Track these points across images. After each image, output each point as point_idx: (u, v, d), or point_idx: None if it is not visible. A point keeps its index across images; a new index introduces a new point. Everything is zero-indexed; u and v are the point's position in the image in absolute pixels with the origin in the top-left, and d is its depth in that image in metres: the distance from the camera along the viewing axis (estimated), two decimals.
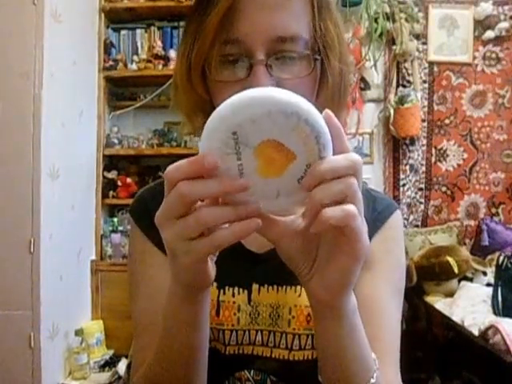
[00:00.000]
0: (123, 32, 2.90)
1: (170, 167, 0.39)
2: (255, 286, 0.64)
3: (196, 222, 0.38)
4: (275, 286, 0.64)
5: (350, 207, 0.37)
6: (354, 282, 0.42)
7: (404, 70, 2.86)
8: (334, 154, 0.38)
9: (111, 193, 2.81)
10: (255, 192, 0.39)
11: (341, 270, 0.41)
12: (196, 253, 0.40)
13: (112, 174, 2.84)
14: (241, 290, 0.64)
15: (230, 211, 0.38)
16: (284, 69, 0.54)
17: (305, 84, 0.56)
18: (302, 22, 0.54)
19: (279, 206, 0.40)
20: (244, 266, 0.65)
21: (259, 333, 0.64)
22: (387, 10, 2.71)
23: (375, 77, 2.85)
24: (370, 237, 0.67)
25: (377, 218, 0.68)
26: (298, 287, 0.63)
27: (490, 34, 2.82)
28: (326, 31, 0.56)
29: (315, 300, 0.45)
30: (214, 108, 0.60)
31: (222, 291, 0.64)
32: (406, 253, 2.61)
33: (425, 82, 2.89)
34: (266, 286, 0.64)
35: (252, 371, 0.63)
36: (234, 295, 0.64)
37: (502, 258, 2.05)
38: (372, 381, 0.48)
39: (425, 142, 2.91)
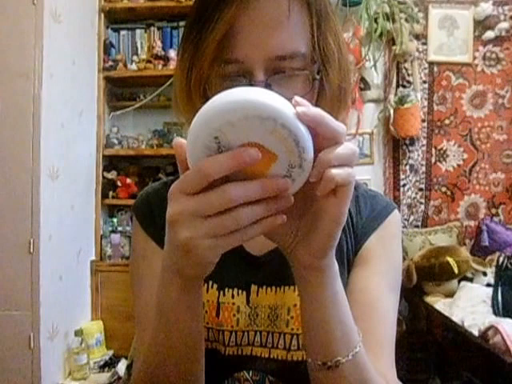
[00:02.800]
0: (123, 32, 2.90)
1: (207, 161, 0.38)
2: (254, 288, 0.65)
3: (222, 198, 0.37)
4: (273, 287, 0.64)
5: (351, 169, 0.40)
6: (336, 243, 0.44)
7: (404, 71, 2.86)
8: (323, 138, 0.39)
9: (111, 193, 2.81)
10: None
11: (326, 235, 0.43)
12: (223, 248, 0.40)
13: (112, 175, 2.84)
14: (240, 291, 0.64)
15: (258, 192, 0.38)
16: (284, 87, 0.54)
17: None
18: (300, 38, 0.54)
19: None
20: (243, 268, 0.65)
21: (258, 334, 0.64)
22: (387, 10, 2.71)
23: (375, 77, 2.85)
24: (368, 235, 0.68)
25: (375, 217, 0.69)
26: (297, 288, 0.64)
27: (489, 34, 2.82)
28: (325, 45, 0.56)
29: (301, 266, 0.47)
30: None
31: (221, 293, 0.65)
32: (406, 253, 2.61)
33: (425, 82, 2.89)
34: (264, 287, 0.64)
35: (251, 371, 0.64)
36: (233, 296, 0.64)
37: (502, 259, 2.05)
38: (356, 350, 0.49)
39: (425, 142, 2.90)
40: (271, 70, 0.53)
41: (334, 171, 0.39)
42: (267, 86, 0.53)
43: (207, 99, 0.58)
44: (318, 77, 0.56)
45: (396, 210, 0.71)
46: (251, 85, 0.53)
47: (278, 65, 0.53)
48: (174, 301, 0.47)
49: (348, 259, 0.67)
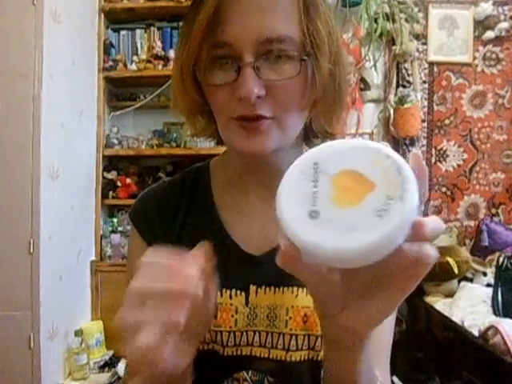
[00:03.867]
0: (123, 32, 2.90)
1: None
2: (253, 288, 0.64)
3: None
4: (272, 288, 0.64)
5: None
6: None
7: (404, 71, 2.86)
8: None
9: (111, 193, 2.81)
10: (328, 224, 0.34)
11: (387, 302, 0.36)
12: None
13: (112, 175, 2.84)
14: (238, 292, 0.64)
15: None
16: (272, 70, 0.54)
17: (294, 85, 0.56)
18: (289, 23, 0.54)
19: (354, 241, 0.32)
20: (241, 269, 0.64)
21: (257, 334, 0.64)
22: (387, 10, 2.71)
23: (375, 77, 2.85)
24: None
25: None
26: (295, 288, 0.63)
27: (489, 34, 2.82)
28: (315, 31, 0.55)
29: (346, 333, 0.40)
30: (211, 111, 0.61)
31: (219, 293, 0.64)
32: None
33: (425, 82, 2.89)
34: (263, 287, 0.64)
35: (250, 372, 0.64)
36: (231, 297, 0.64)
37: (502, 259, 2.05)
38: None
39: (425, 142, 2.90)
40: (260, 53, 0.53)
41: (430, 249, 0.33)
42: (255, 69, 0.53)
43: (198, 84, 0.58)
44: (305, 58, 0.55)
45: None
46: (239, 68, 0.53)
47: (266, 48, 0.53)
48: None
49: None
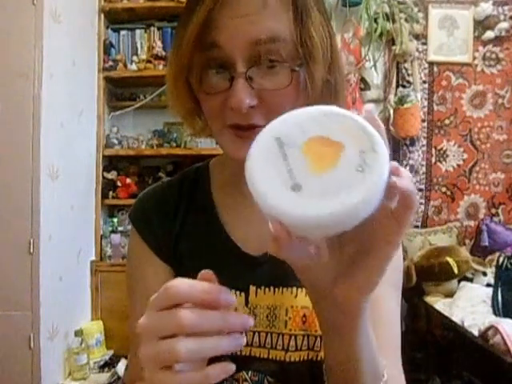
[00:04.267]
0: (123, 32, 2.90)
1: (181, 282, 0.38)
2: (252, 289, 0.64)
3: (173, 320, 0.37)
4: (272, 288, 0.64)
5: None
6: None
7: (404, 71, 2.86)
8: None
9: (111, 193, 2.81)
10: (313, 193, 0.34)
11: (379, 262, 0.37)
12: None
13: (112, 175, 2.84)
14: (238, 292, 0.64)
15: (217, 318, 0.37)
16: (265, 79, 0.54)
17: (287, 94, 0.55)
18: (281, 25, 0.54)
19: (345, 200, 0.33)
20: (241, 269, 0.64)
21: (256, 334, 0.64)
22: (387, 10, 2.71)
23: (375, 77, 2.85)
24: None
25: None
26: (294, 288, 0.64)
27: (489, 34, 2.82)
28: (307, 37, 0.55)
29: (341, 310, 0.41)
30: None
31: None
32: (406, 253, 2.61)
33: (425, 82, 2.89)
34: (262, 287, 0.64)
35: (250, 372, 0.64)
36: None
37: (501, 259, 2.05)
38: (383, 379, 0.48)
39: (425, 142, 2.90)
40: (252, 58, 0.53)
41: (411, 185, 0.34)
42: (248, 79, 0.53)
43: (191, 90, 0.58)
44: (297, 69, 0.55)
45: None
46: (232, 77, 0.53)
47: (258, 49, 0.53)
48: None
49: None
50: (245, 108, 0.53)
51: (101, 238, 2.78)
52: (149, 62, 2.79)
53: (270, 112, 0.55)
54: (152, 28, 2.87)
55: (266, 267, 0.63)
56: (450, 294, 2.26)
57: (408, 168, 2.90)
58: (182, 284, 0.38)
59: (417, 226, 2.87)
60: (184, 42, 0.54)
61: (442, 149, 2.91)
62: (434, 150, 2.91)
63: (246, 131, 0.56)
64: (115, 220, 2.84)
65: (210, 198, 0.69)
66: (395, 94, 2.81)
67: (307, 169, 0.35)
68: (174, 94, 0.61)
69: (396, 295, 0.66)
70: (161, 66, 2.78)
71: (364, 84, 2.85)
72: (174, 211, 0.69)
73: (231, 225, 0.67)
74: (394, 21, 2.73)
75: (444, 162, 2.91)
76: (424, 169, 2.91)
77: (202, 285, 0.38)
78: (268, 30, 0.53)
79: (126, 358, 2.43)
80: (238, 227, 0.67)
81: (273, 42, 0.53)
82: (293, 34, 0.54)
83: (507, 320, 1.79)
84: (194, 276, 0.42)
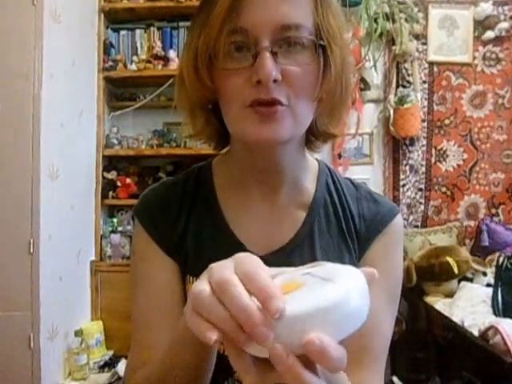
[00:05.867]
0: (123, 32, 2.90)
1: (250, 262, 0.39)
2: None
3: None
4: None
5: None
6: None
7: (404, 71, 2.86)
8: None
9: (111, 193, 2.81)
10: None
11: None
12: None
13: (111, 175, 2.84)
14: None
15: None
16: (289, 57, 0.55)
17: (308, 72, 0.57)
18: (305, 12, 0.56)
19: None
20: None
21: None
22: (387, 10, 2.71)
23: (375, 77, 2.85)
24: (372, 239, 0.67)
25: (379, 221, 0.68)
26: None
27: (489, 34, 2.82)
28: (328, 24, 0.57)
29: None
30: (217, 104, 0.61)
31: None
32: (406, 253, 2.61)
33: (425, 82, 2.89)
34: None
35: None
36: None
37: (501, 259, 2.05)
38: None
39: (425, 142, 2.90)
40: (277, 40, 0.55)
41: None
42: (273, 54, 0.54)
43: (212, 71, 0.58)
44: (323, 43, 0.57)
45: (399, 214, 0.70)
46: (256, 52, 0.54)
47: (283, 35, 0.55)
48: (186, 350, 0.50)
49: (352, 262, 0.67)
50: (271, 80, 0.54)
51: (101, 238, 2.78)
52: (149, 62, 2.79)
53: (291, 89, 0.56)
54: (152, 28, 2.87)
55: (270, 267, 0.63)
56: (450, 294, 2.26)
57: (408, 168, 2.91)
58: (251, 265, 0.38)
59: (417, 226, 2.88)
60: (211, 23, 0.55)
61: (441, 149, 2.91)
62: (433, 149, 2.91)
63: (268, 107, 0.56)
64: (115, 220, 2.84)
65: (215, 197, 0.69)
66: (395, 94, 2.81)
67: None
68: (191, 76, 0.60)
69: (392, 309, 0.67)
70: (160, 66, 2.78)
71: (364, 84, 2.85)
72: (178, 209, 0.69)
73: (236, 223, 0.67)
74: (394, 21, 2.73)
75: (444, 162, 2.91)
76: (424, 169, 2.91)
77: (264, 278, 0.36)
78: (293, 18, 0.55)
79: (126, 358, 2.43)
80: (242, 225, 0.67)
81: (297, 28, 0.55)
82: (314, 20, 0.57)
83: (507, 320, 1.79)
84: (198, 275, 0.42)
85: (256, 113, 0.56)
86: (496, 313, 1.92)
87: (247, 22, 0.54)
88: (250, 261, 0.39)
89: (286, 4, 0.54)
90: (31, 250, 2.11)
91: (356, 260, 0.67)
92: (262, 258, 0.64)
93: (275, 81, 0.54)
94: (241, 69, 0.55)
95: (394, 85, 2.84)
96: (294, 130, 0.59)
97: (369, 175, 2.86)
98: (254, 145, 0.60)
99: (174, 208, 0.69)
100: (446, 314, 2.06)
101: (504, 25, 2.82)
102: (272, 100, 0.55)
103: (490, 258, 2.47)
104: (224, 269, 0.38)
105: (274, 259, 0.64)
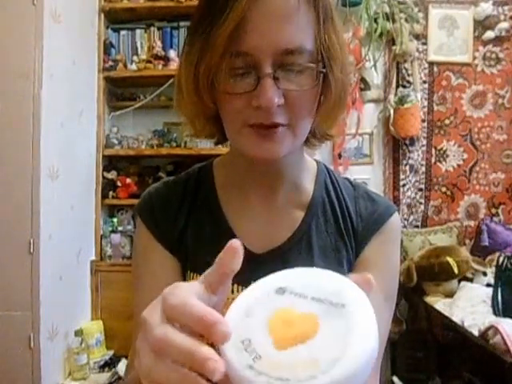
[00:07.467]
0: (123, 32, 2.90)
1: (178, 296, 0.34)
2: None
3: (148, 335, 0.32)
4: None
5: None
6: None
7: (404, 71, 2.86)
8: None
9: (111, 193, 2.81)
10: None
11: None
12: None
13: (112, 175, 2.84)
14: (240, 287, 0.64)
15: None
16: (290, 80, 0.56)
17: (309, 95, 0.57)
18: (307, 34, 0.56)
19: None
20: (244, 266, 0.65)
21: None
22: (387, 10, 2.71)
23: (375, 77, 2.85)
24: (369, 238, 0.68)
25: (376, 220, 0.69)
26: None
27: (489, 34, 2.82)
28: (329, 43, 0.58)
29: None
30: (218, 115, 0.61)
31: None
32: (406, 253, 2.61)
33: (425, 82, 2.89)
34: None
35: None
36: (232, 292, 0.64)
37: (502, 259, 2.05)
38: None
39: (425, 142, 2.90)
40: (278, 63, 0.55)
41: None
42: (275, 79, 0.54)
43: (213, 92, 0.58)
44: (324, 70, 0.57)
45: (396, 213, 0.71)
46: (258, 78, 0.54)
47: (285, 59, 0.55)
48: None
49: (349, 261, 0.67)
50: (274, 107, 0.54)
51: (101, 238, 2.78)
52: (149, 62, 2.79)
53: (293, 111, 0.57)
54: (152, 28, 2.87)
55: (268, 265, 0.63)
56: (450, 294, 2.26)
57: (408, 168, 2.91)
58: (178, 298, 0.34)
59: (417, 226, 2.88)
60: (215, 45, 0.55)
61: (441, 149, 2.91)
62: (433, 149, 2.91)
63: (269, 129, 0.57)
64: (115, 220, 2.84)
65: (215, 197, 0.70)
66: (395, 94, 2.81)
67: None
68: (192, 95, 0.60)
69: (389, 306, 0.67)
70: (160, 66, 2.78)
71: (364, 84, 2.85)
72: (179, 207, 0.70)
73: (236, 222, 0.68)
74: (394, 21, 2.73)
75: (444, 162, 2.91)
76: (424, 169, 2.91)
77: (197, 308, 0.33)
78: (296, 42, 0.54)
79: (126, 357, 2.43)
80: (241, 224, 0.68)
81: (300, 52, 0.55)
82: (316, 41, 0.56)
83: (507, 320, 1.79)
84: (199, 271, 0.41)
85: (256, 133, 0.57)
86: (496, 313, 1.92)
87: (249, 47, 0.54)
88: (179, 292, 0.35)
89: (288, 27, 0.54)
90: (31, 250, 2.11)
91: (353, 258, 0.68)
92: (260, 256, 0.66)
93: (278, 105, 0.55)
94: (242, 93, 0.55)
95: (394, 85, 2.84)
96: (293, 146, 0.61)
97: (369, 175, 2.86)
98: (254, 160, 0.61)
99: (175, 206, 0.70)
100: (446, 313, 2.06)
101: (504, 25, 2.82)
102: (272, 124, 0.56)
103: (490, 258, 2.46)
104: (155, 324, 0.33)
105: (271, 258, 0.65)
